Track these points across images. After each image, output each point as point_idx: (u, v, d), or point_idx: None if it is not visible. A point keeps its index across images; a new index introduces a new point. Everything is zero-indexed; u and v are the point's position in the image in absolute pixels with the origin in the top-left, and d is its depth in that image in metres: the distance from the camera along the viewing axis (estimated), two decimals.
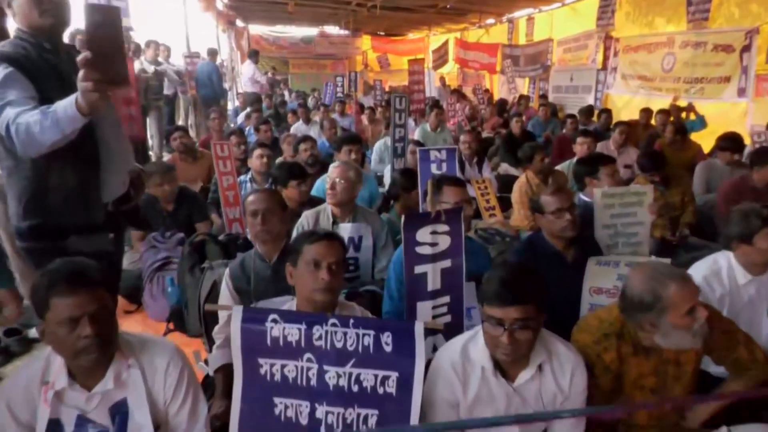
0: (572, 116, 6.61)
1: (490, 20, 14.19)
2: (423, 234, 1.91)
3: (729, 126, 7.09)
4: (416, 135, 6.77)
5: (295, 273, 1.86)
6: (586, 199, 3.08)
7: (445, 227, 1.94)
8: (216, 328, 2.33)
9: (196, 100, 9.69)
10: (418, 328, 1.58)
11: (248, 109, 8.46)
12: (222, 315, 2.34)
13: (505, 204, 4.93)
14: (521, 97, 11.30)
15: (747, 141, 6.65)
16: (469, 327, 2.21)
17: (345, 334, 1.57)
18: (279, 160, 5.16)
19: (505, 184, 5.67)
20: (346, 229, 2.91)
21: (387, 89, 15.32)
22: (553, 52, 11.65)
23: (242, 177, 4.09)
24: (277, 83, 17.86)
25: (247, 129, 7.33)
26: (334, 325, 1.57)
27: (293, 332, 1.56)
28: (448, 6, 12.05)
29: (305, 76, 19.17)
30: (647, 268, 1.68)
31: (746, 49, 6.92)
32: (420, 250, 1.92)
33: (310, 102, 11.61)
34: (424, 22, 15.83)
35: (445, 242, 1.96)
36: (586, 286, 2.45)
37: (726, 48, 7.23)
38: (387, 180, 4.79)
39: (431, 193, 2.05)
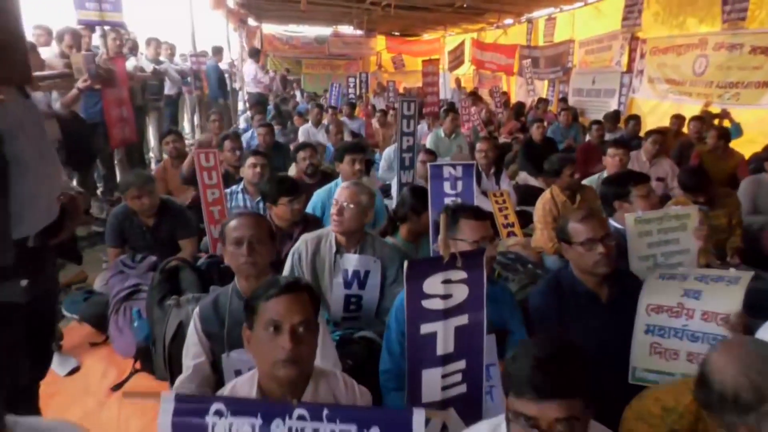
0: (598, 122, 6.11)
1: (509, 20, 13.70)
2: (432, 284, 1.47)
3: (764, 134, 6.58)
4: (428, 141, 6.33)
5: (253, 339, 1.44)
6: (616, 225, 2.61)
7: (461, 274, 1.50)
8: (177, 381, 1.91)
9: (202, 100, 9.36)
10: (418, 420, 1.15)
11: (248, 113, 8.01)
12: (187, 364, 1.93)
13: (525, 218, 4.48)
14: (540, 100, 10.81)
15: None
16: (487, 389, 1.78)
17: (316, 431, 1.14)
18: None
19: (524, 195, 5.21)
20: (351, 261, 2.49)
21: (401, 91, 14.93)
22: (575, 53, 11.16)
23: (234, 187, 3.69)
24: (290, 83, 17.52)
25: (251, 132, 6.93)
26: (301, 418, 1.15)
27: (245, 429, 1.14)
28: (465, 5, 11.58)
29: (318, 77, 18.82)
30: (741, 350, 1.21)
31: None
32: (428, 304, 1.48)
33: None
34: (440, 22, 15.38)
35: (461, 293, 1.52)
36: (643, 303, 2.03)
37: (765, 50, 6.70)
38: (394, 193, 4.36)
39: (444, 228, 1.61)
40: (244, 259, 1.89)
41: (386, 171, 5.92)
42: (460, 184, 2.71)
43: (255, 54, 9.49)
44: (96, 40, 4.96)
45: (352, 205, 2.46)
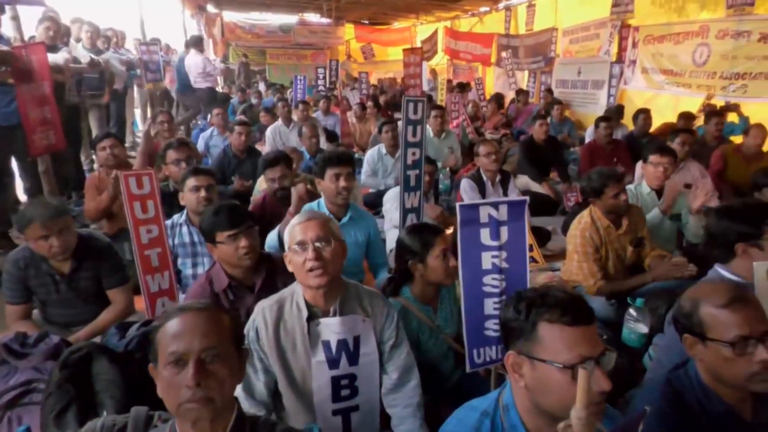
0: (606, 119, 5.42)
1: (484, 8, 12.99)
2: None
3: None
4: None
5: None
6: (731, 276, 1.89)
7: None
8: None
9: (154, 95, 8.34)
10: None
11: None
12: None
13: (535, 233, 3.76)
14: (519, 91, 10.14)
15: None
16: None
17: None
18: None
19: (529, 205, 4.48)
20: (331, 328, 1.68)
21: (374, 82, 14.10)
22: (558, 42, 10.56)
23: (176, 217, 2.79)
24: (253, 73, 16.45)
25: (210, 131, 5.99)
26: None
27: None
28: None
29: (284, 67, 17.88)
30: None
31: None
32: None
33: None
34: (412, 9, 14.61)
35: None
36: None
37: None
38: (389, 216, 3.57)
39: (584, 391, 0.76)
40: (190, 393, 1.06)
41: (370, 177, 5.14)
42: (505, 231, 1.84)
43: (198, 43, 8.26)
44: (6, 23, 3.95)
45: (331, 242, 1.66)
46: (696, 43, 7.25)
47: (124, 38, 8.54)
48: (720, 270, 1.93)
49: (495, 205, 1.80)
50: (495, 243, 1.81)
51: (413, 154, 2.52)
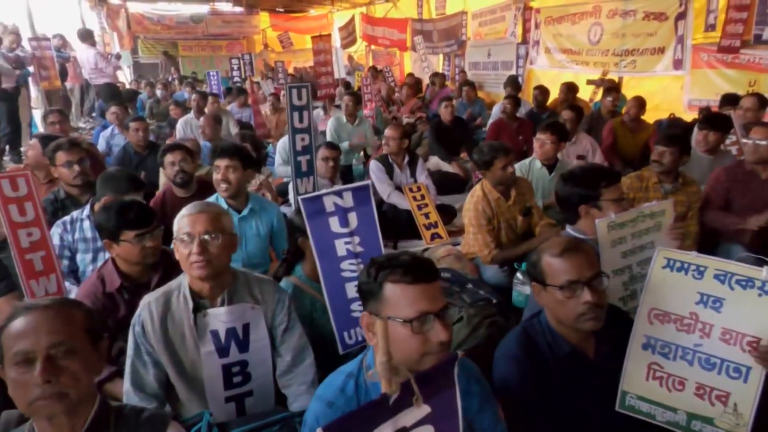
0: (510, 96, 5.67)
1: None
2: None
3: (668, 102, 6.59)
4: (329, 129, 5.57)
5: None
6: (577, 235, 2.06)
7: (422, 411, 0.81)
8: None
9: (54, 94, 7.85)
10: None
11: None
12: None
13: (445, 213, 3.92)
14: (435, 75, 10.35)
15: (687, 118, 6.15)
16: None
17: None
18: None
19: (440, 184, 4.66)
20: (219, 318, 1.70)
21: (291, 71, 13.90)
22: (468, 25, 10.84)
23: (76, 213, 2.69)
24: (170, 65, 15.71)
25: (110, 129, 5.72)
26: None
27: None
28: None
29: (198, 60, 17.26)
30: None
31: (681, 16, 6.36)
32: None
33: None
34: None
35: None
36: (645, 304, 1.54)
37: (658, 16, 6.65)
38: (293, 200, 3.59)
39: (384, 338, 0.86)
40: (40, 391, 1.07)
41: (282, 166, 5.11)
42: (353, 217, 1.89)
43: (88, 37, 7.77)
44: None
45: (219, 236, 1.66)
46: (590, 22, 7.70)
47: (15, 33, 7.94)
48: (569, 230, 2.13)
49: (338, 193, 1.86)
50: (345, 230, 1.88)
51: (302, 139, 2.56)
